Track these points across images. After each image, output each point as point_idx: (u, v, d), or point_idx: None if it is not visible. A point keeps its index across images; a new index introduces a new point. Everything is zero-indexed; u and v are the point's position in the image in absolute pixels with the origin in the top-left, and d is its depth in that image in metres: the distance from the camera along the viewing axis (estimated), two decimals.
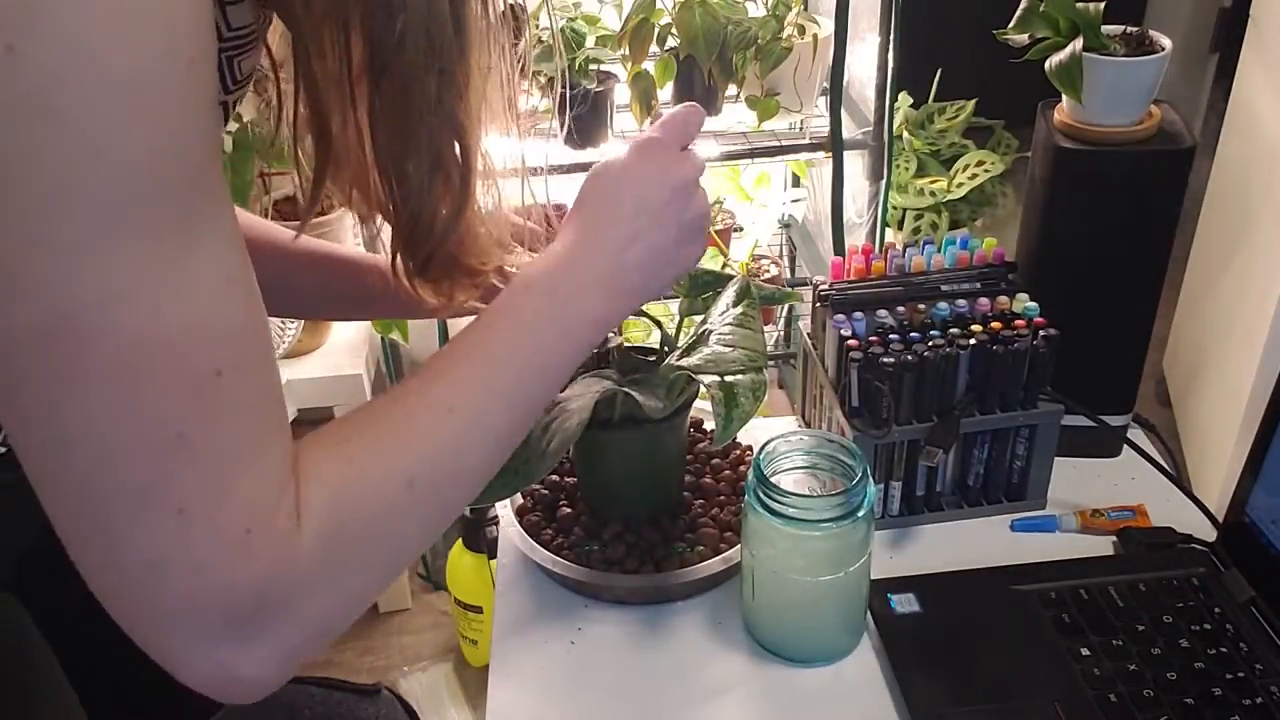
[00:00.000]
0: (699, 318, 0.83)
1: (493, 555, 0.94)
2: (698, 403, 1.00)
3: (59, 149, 0.39)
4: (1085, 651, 0.77)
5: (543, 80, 1.56)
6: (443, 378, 0.58)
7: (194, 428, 0.44)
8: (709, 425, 0.99)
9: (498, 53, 0.59)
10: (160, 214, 0.42)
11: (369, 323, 1.58)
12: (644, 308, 0.86)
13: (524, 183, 0.66)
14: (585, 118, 1.54)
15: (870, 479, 0.76)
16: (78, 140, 0.39)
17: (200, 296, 0.44)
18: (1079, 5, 0.86)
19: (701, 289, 0.84)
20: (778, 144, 1.61)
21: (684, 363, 0.76)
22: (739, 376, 0.74)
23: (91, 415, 0.43)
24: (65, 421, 0.43)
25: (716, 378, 0.74)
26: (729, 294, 0.81)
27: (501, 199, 0.64)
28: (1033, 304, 0.88)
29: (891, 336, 0.86)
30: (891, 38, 1.51)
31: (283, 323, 1.45)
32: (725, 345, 0.77)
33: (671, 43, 1.51)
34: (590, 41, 1.52)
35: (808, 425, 1.00)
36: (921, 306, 0.90)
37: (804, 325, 0.98)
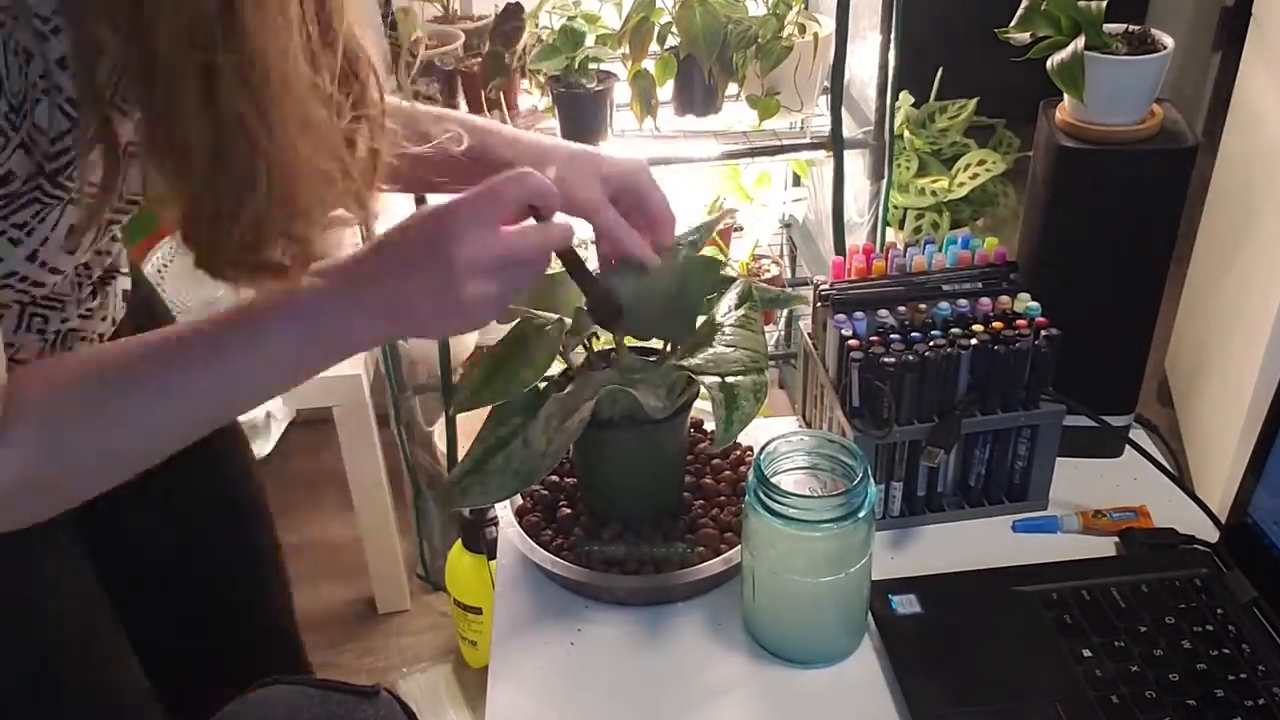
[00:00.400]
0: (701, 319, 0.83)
1: (492, 556, 0.93)
2: (698, 403, 1.00)
3: None
4: (1087, 652, 0.77)
5: (542, 79, 1.56)
6: (175, 357, 0.63)
7: None
8: (709, 425, 0.98)
9: (299, 31, 0.56)
10: None
11: None
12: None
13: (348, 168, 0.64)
14: (585, 116, 1.53)
15: (871, 479, 0.75)
16: None
17: None
18: (1081, 4, 0.85)
19: (706, 290, 0.84)
20: (778, 143, 1.61)
21: (685, 363, 0.76)
22: (740, 378, 0.74)
23: None
24: None
25: (717, 379, 0.74)
26: (731, 296, 0.81)
27: (317, 195, 0.62)
28: (1034, 304, 0.88)
29: (892, 336, 0.86)
30: (892, 36, 1.51)
31: None
32: (726, 346, 0.76)
33: (672, 41, 1.51)
34: (590, 40, 1.52)
35: (808, 425, 1.00)
36: (923, 306, 0.89)
37: (805, 325, 0.98)
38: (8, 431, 0.57)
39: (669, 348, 0.84)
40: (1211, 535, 0.87)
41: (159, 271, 1.37)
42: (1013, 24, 0.88)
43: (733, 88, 1.57)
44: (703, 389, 0.75)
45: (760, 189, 1.86)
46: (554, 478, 0.93)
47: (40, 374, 0.61)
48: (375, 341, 0.67)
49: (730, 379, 0.74)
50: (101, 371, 0.62)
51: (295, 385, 0.67)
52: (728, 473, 0.93)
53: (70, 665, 0.77)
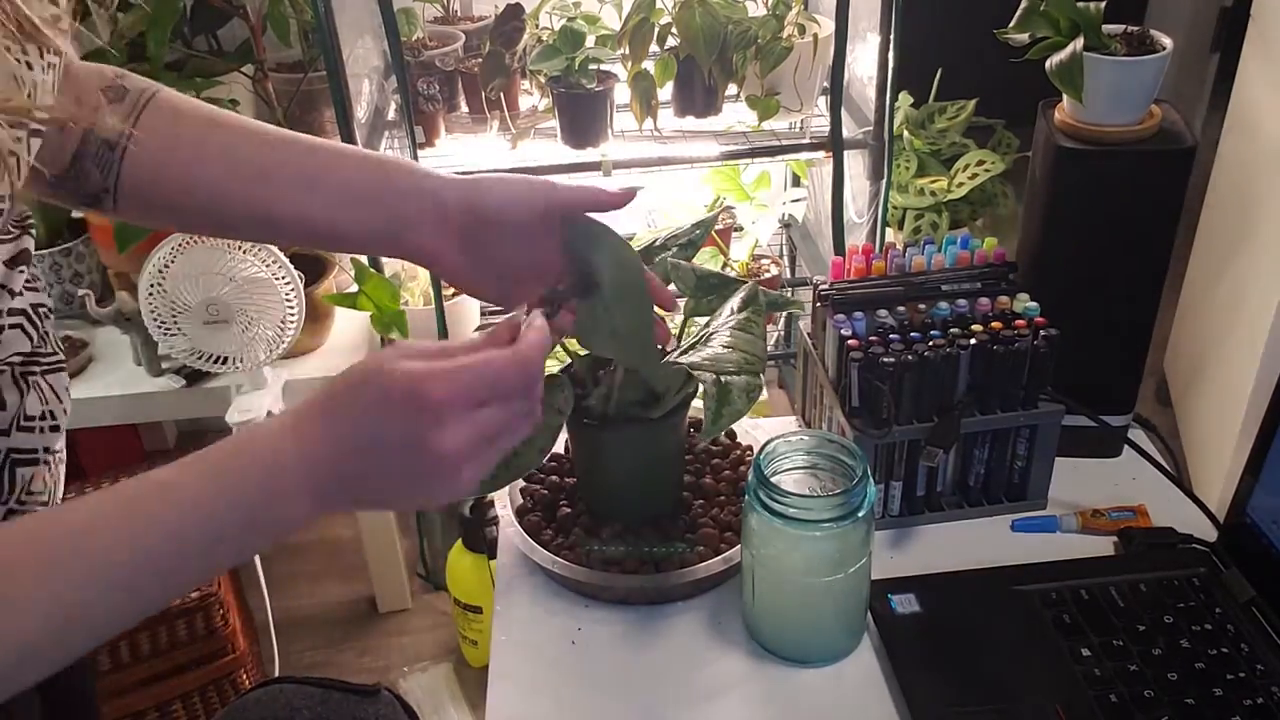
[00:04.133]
0: (703, 319, 0.83)
1: (493, 555, 0.93)
2: (697, 402, 1.00)
3: None
4: (1086, 652, 0.77)
5: (542, 80, 1.56)
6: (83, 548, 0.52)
7: None
8: None
9: None
10: None
11: (369, 323, 1.58)
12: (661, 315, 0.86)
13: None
14: (585, 117, 1.54)
15: (870, 479, 0.76)
16: None
17: None
18: (1080, 5, 0.85)
19: (707, 290, 0.84)
20: (778, 143, 1.61)
21: (682, 360, 0.76)
22: (734, 377, 0.74)
23: None
24: None
25: (712, 375, 0.74)
26: (736, 299, 0.81)
27: None
28: (1033, 304, 0.88)
29: (892, 336, 0.86)
30: (892, 37, 1.51)
31: (282, 322, 1.45)
32: (725, 347, 0.77)
33: (671, 42, 1.51)
34: (590, 41, 1.52)
35: (808, 425, 1.00)
36: (922, 306, 0.89)
37: (804, 325, 0.98)
38: None
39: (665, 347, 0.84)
40: (1210, 535, 0.87)
41: (160, 272, 1.38)
42: (1012, 25, 0.88)
43: (732, 88, 1.57)
44: (699, 386, 0.75)
45: (760, 189, 1.87)
46: (554, 478, 0.93)
47: None
48: (311, 521, 0.58)
49: (725, 377, 0.74)
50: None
51: (215, 573, 0.59)
52: (728, 473, 0.93)
53: None
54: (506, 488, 0.91)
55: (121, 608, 0.54)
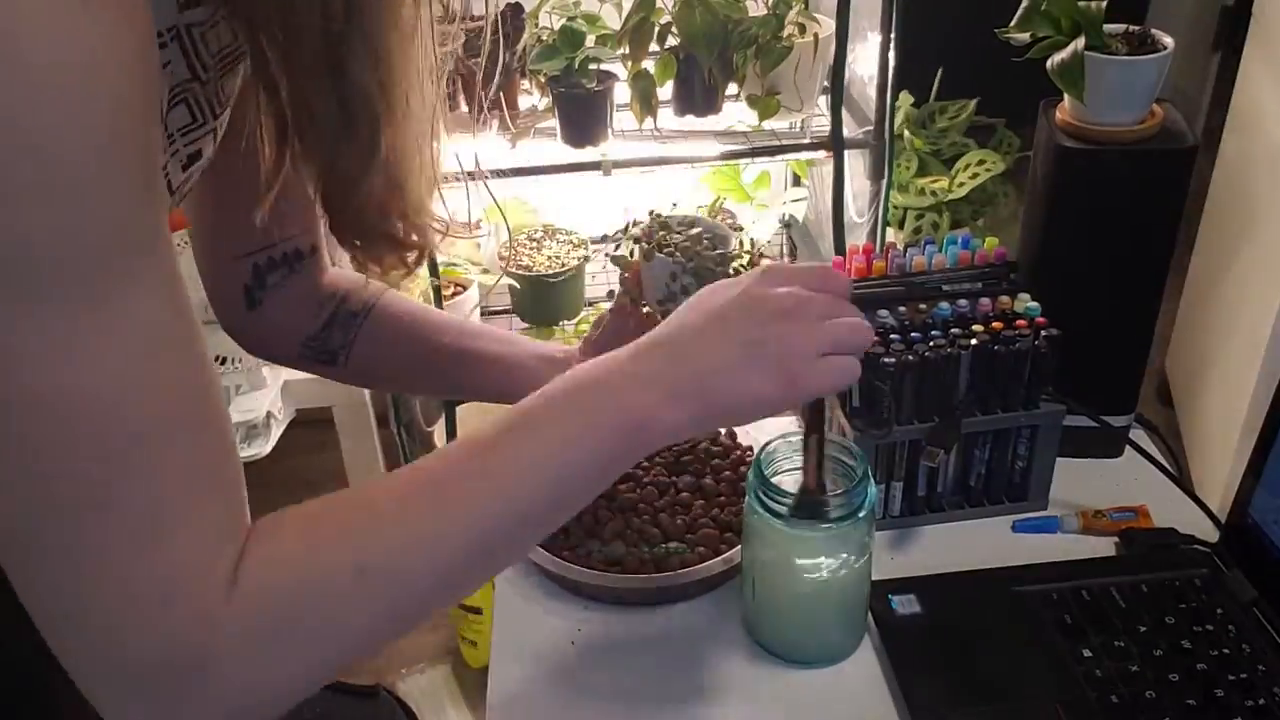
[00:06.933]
0: None
1: None
2: None
3: None
4: (1087, 653, 0.77)
5: (542, 79, 1.56)
6: (449, 470, 0.57)
7: (111, 491, 0.45)
8: None
9: (419, 14, 0.58)
10: (63, 281, 0.42)
11: None
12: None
13: (435, 140, 0.65)
14: (585, 117, 1.53)
15: (871, 479, 0.75)
16: None
17: (117, 360, 0.44)
18: (1081, 4, 0.85)
19: None
20: (778, 143, 1.61)
21: None
22: None
23: (6, 478, 0.44)
24: None
25: None
26: None
27: (427, 170, 0.65)
28: (1034, 304, 0.88)
29: (893, 336, 0.86)
30: (892, 36, 1.51)
31: None
32: None
33: (672, 41, 1.51)
34: (590, 41, 1.52)
35: None
36: (923, 306, 0.89)
37: None
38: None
39: None
40: (1211, 535, 0.87)
41: None
42: (1013, 24, 0.88)
43: (733, 88, 1.57)
44: None
45: (760, 189, 1.86)
46: None
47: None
48: (679, 428, 0.59)
49: None
50: (370, 500, 0.56)
51: (598, 488, 0.60)
52: (728, 473, 0.93)
53: None
54: None
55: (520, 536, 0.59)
